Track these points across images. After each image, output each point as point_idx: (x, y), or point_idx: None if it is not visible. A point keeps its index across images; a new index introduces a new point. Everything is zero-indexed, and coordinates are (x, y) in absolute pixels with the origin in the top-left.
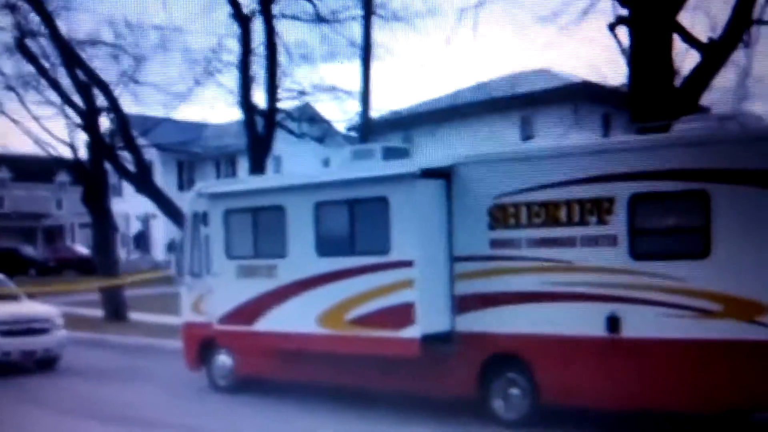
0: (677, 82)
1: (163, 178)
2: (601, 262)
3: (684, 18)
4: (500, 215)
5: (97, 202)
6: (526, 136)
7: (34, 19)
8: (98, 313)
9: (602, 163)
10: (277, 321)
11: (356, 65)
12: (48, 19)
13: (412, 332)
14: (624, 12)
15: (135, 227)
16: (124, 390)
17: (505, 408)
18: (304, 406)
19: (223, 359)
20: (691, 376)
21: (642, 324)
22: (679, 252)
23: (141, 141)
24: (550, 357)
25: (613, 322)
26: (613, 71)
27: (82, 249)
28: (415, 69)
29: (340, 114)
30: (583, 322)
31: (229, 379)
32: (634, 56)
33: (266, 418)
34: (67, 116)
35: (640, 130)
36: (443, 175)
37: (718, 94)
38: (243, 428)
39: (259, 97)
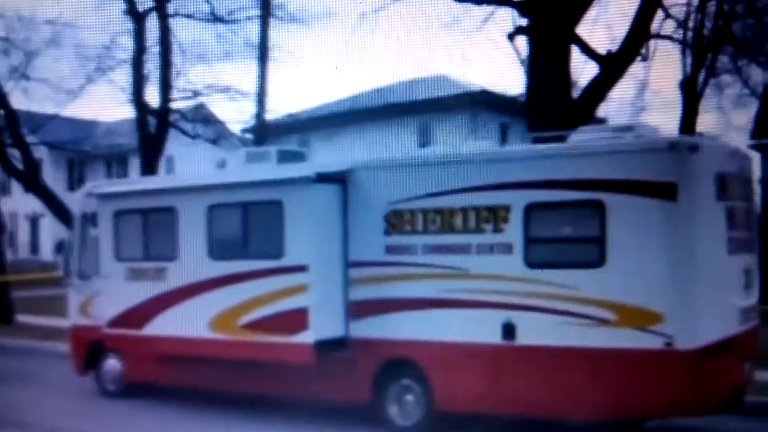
0: (575, 93)
1: (53, 177)
2: (496, 269)
3: (583, 30)
4: (396, 221)
5: None
6: (424, 143)
7: None
8: None
9: (499, 171)
10: (167, 325)
11: (253, 66)
12: None
13: (306, 338)
14: (523, 21)
15: (24, 227)
16: (6, 393)
17: (400, 414)
18: (195, 413)
19: (112, 363)
20: (585, 383)
21: (537, 331)
22: (575, 261)
23: (30, 138)
24: (445, 363)
25: (508, 330)
26: (512, 80)
27: None
28: (312, 72)
29: (236, 115)
30: (478, 329)
31: (119, 384)
32: (532, 66)
33: (153, 425)
34: None
35: (537, 140)
36: (339, 179)
37: (616, 105)
38: None
39: (153, 96)
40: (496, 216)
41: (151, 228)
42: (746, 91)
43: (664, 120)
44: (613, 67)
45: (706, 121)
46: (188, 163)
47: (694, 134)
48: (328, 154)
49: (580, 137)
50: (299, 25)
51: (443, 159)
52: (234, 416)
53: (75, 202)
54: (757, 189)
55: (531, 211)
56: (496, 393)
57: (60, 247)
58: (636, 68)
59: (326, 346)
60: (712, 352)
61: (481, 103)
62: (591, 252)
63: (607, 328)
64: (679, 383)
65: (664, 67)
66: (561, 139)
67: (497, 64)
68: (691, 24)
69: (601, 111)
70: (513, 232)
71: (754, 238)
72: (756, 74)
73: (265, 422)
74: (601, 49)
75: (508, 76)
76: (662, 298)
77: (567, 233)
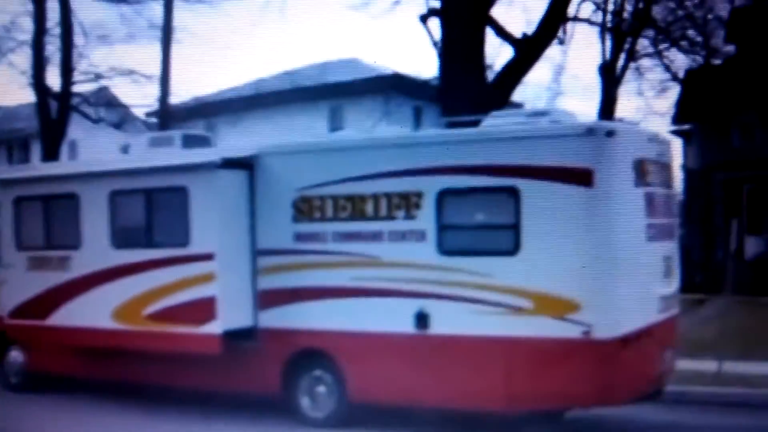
0: (490, 76)
1: None
2: (409, 257)
3: (498, 12)
4: (305, 208)
5: None
6: (335, 127)
7: None
8: None
9: (411, 156)
10: (69, 315)
11: (157, 49)
12: None
13: (213, 328)
14: (436, 3)
15: None
16: None
17: (312, 406)
18: (99, 405)
19: (15, 355)
20: (502, 374)
21: (451, 320)
22: (490, 248)
23: None
24: (357, 354)
25: (421, 319)
26: (425, 63)
27: None
28: (219, 54)
29: (141, 99)
30: (391, 318)
31: (21, 377)
32: (445, 49)
33: (55, 418)
34: None
35: (450, 125)
36: (246, 165)
37: (534, 90)
38: (29, 429)
39: (54, 79)
40: (408, 202)
41: (53, 216)
42: (668, 76)
43: (583, 105)
44: (528, 50)
45: (626, 107)
46: (92, 148)
47: (614, 119)
48: (235, 139)
49: (494, 122)
50: (205, 6)
51: (354, 144)
52: (141, 411)
53: None
54: (679, 175)
55: (444, 197)
56: (410, 384)
57: None
58: (553, 52)
59: (234, 337)
60: (631, 341)
61: (393, 87)
62: (506, 239)
63: (523, 316)
64: (597, 373)
65: (582, 51)
66: (474, 123)
67: (411, 46)
68: (610, 7)
69: (518, 95)
70: (426, 219)
71: (674, 224)
72: (678, 59)
73: (178, 414)
74: (517, 31)
75: (421, 60)
76: (579, 286)
77: (481, 220)
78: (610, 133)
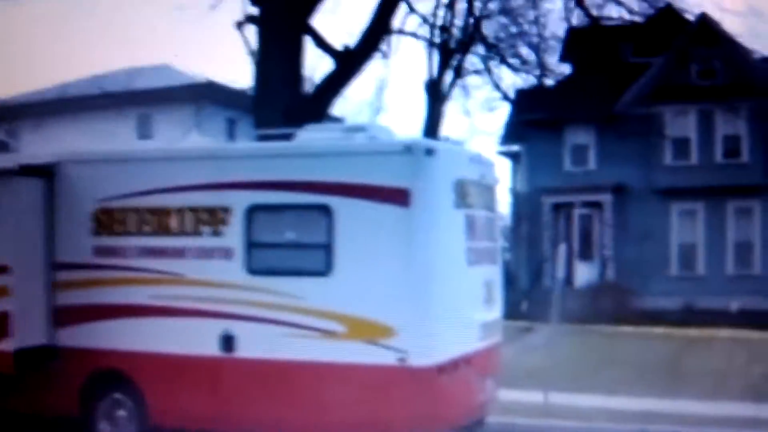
0: (308, 89)
1: None
2: (215, 276)
3: (319, 22)
4: (106, 220)
5: None
6: (144, 136)
7: None
8: None
9: (219, 169)
10: None
11: None
12: None
13: (6, 345)
14: (254, 10)
15: None
16: None
17: (111, 431)
18: None
19: None
20: (313, 400)
21: (259, 344)
22: (301, 269)
23: None
24: (160, 377)
25: (227, 341)
26: (241, 72)
27: None
28: (21, 54)
29: None
30: (195, 339)
31: None
32: (261, 58)
33: None
34: None
35: (262, 137)
36: (45, 173)
37: (355, 105)
38: None
39: None
40: (215, 218)
41: None
42: (497, 95)
43: (408, 122)
44: (349, 62)
45: (452, 125)
46: None
47: (438, 138)
48: (39, 146)
49: (308, 136)
50: (7, 3)
51: (159, 154)
52: None
53: None
54: (506, 198)
55: (253, 213)
56: (216, 409)
57: None
58: (377, 66)
59: (29, 355)
60: (449, 368)
61: (206, 96)
62: (318, 260)
63: (336, 341)
64: (414, 401)
65: (409, 65)
66: (288, 137)
67: (226, 54)
68: (438, 21)
69: (338, 110)
70: (233, 235)
71: (496, 249)
72: (508, 77)
73: None
74: (338, 43)
75: (236, 68)
76: (395, 310)
77: (292, 239)
78: (429, 152)
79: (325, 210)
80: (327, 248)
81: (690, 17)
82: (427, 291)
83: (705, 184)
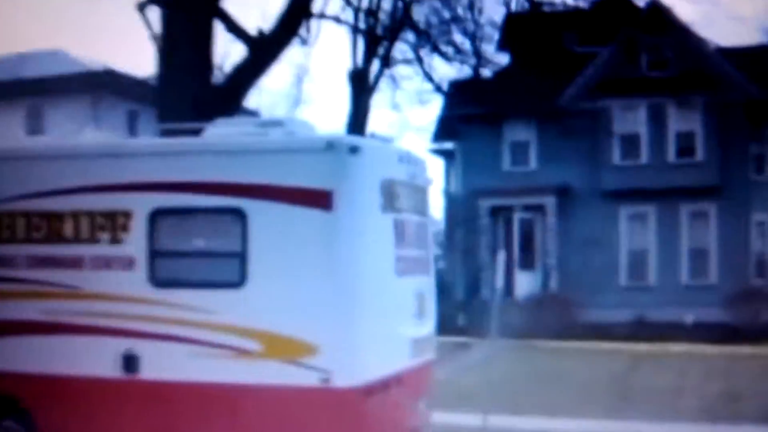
0: (218, 78)
1: None
2: (114, 289)
3: (231, 4)
4: None
5: None
6: (34, 130)
7: None
8: None
9: (118, 169)
10: None
11: None
12: None
13: None
14: None
15: None
16: None
17: None
18: None
19: None
20: (227, 425)
21: (165, 364)
22: (212, 280)
23: None
24: (55, 401)
25: (129, 361)
26: (143, 60)
27: None
28: None
29: None
30: (93, 360)
31: None
32: (166, 44)
33: None
34: None
35: (166, 132)
36: None
37: (273, 96)
38: None
39: None
40: (114, 223)
41: None
42: (429, 87)
43: (330, 117)
44: (264, 49)
45: (380, 120)
46: None
47: (363, 134)
48: None
49: (219, 131)
50: None
51: (51, 151)
52: None
53: None
54: (439, 200)
55: (157, 218)
56: None
57: None
58: (296, 53)
59: None
60: (377, 390)
61: (104, 85)
62: (230, 270)
63: (251, 360)
64: (339, 426)
65: (331, 53)
66: (196, 132)
67: (126, 39)
68: (364, 4)
69: (253, 102)
70: (134, 243)
71: (429, 257)
72: (440, 67)
73: None
74: (253, 27)
75: (139, 55)
76: (316, 326)
77: (202, 247)
78: (353, 150)
79: (238, 214)
80: (240, 257)
81: (639, 3)
82: (353, 304)
83: (657, 186)
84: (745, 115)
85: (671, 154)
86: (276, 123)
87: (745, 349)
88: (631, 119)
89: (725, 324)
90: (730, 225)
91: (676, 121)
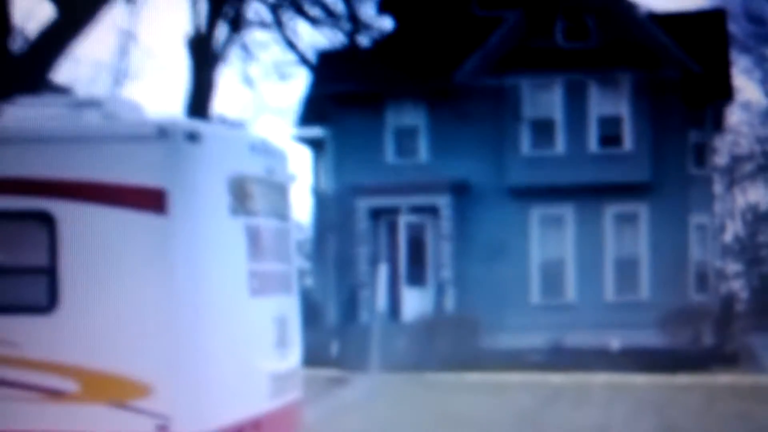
0: (20, 45)
1: None
2: None
3: None
4: None
5: None
6: None
7: None
8: None
9: None
10: None
11: None
12: None
13: None
14: None
15: None
16: None
17: None
18: None
19: None
20: None
21: None
22: (12, 303)
23: None
24: None
25: None
26: None
27: None
28: None
29: None
30: None
31: None
32: None
33: None
34: None
35: None
36: None
37: (88, 68)
38: None
39: None
40: None
41: None
42: (292, 58)
43: (165, 95)
44: (77, 9)
45: (228, 99)
46: None
47: (205, 118)
48: None
49: (20, 113)
50: None
51: None
52: None
53: None
54: (308, 200)
55: None
56: None
57: None
58: (119, 14)
59: None
60: None
61: None
62: (37, 290)
63: (65, 404)
64: None
65: (165, 15)
66: None
67: None
68: None
69: (65, 76)
70: None
71: (292, 272)
72: (306, 33)
73: None
74: None
75: None
76: (149, 360)
77: None
78: (192, 137)
79: (45, 220)
80: (49, 274)
81: None
82: (193, 332)
83: (575, 182)
84: (683, 96)
85: (593, 144)
86: (94, 103)
87: (683, 379)
88: (544, 100)
89: (659, 349)
90: (664, 229)
91: (599, 103)
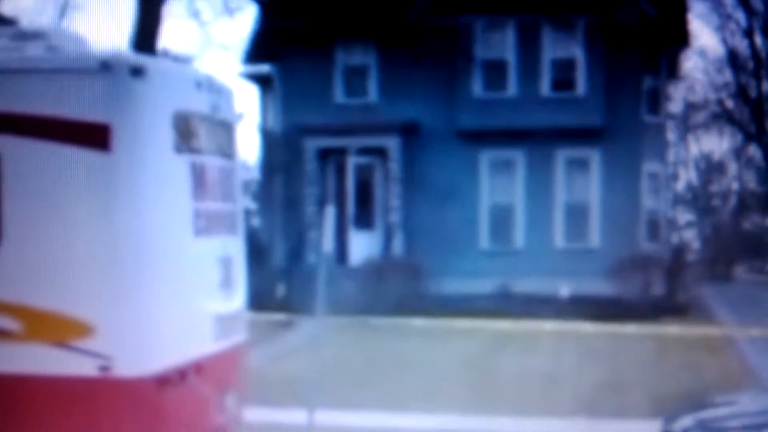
0: None
1: None
2: None
3: None
4: None
5: None
6: None
7: None
8: None
9: None
10: None
11: None
12: None
13: None
14: None
15: None
16: None
17: None
18: None
19: None
20: None
21: None
22: None
23: None
24: None
25: None
26: None
27: None
28: None
29: None
30: None
31: None
32: None
33: None
34: None
35: None
36: None
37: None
38: None
39: None
40: None
41: None
42: None
43: (110, 28)
44: None
45: (175, 33)
46: None
47: (154, 52)
48: None
49: None
50: None
51: None
52: None
53: None
54: (255, 139)
55: None
56: None
57: None
58: None
59: None
60: (173, 380)
61: None
62: None
63: (8, 343)
64: (124, 425)
65: None
66: None
67: None
68: None
69: (8, 7)
70: None
71: (237, 212)
72: None
73: None
74: None
75: None
76: (92, 299)
77: None
78: (136, 71)
79: None
80: None
81: None
82: (136, 272)
83: (526, 125)
84: (638, 41)
85: (545, 87)
86: (36, 35)
87: (632, 328)
88: (497, 41)
89: (608, 297)
90: (616, 176)
91: (552, 46)
